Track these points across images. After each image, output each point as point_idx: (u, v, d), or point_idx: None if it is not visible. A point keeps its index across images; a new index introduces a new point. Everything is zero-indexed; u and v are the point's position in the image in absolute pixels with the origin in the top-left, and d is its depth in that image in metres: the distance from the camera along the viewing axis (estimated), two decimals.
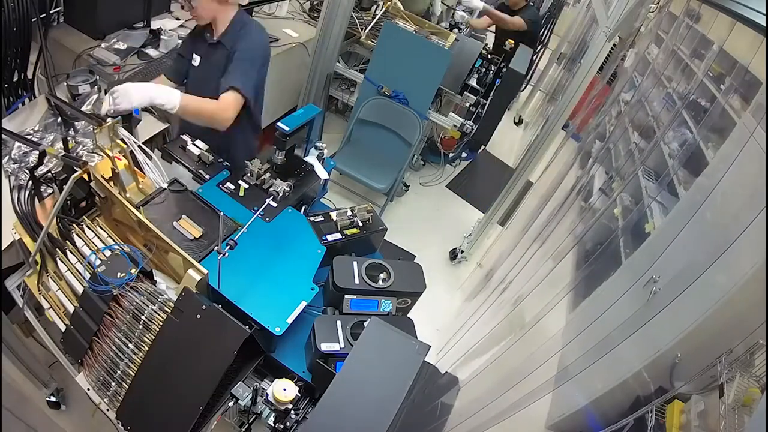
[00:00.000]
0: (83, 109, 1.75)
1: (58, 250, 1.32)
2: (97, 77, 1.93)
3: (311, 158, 1.73)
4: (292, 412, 1.14)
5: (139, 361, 1.13)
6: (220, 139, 1.73)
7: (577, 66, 3.14)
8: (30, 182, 1.41)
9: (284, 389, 1.12)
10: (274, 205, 1.52)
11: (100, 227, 1.35)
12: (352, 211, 1.57)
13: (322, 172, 1.68)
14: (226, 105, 1.63)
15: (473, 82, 3.14)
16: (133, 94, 1.41)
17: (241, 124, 1.74)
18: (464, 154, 4.23)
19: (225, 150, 1.72)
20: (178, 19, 2.57)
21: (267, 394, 1.14)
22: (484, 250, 3.39)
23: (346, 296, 1.33)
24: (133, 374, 1.13)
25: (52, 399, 1.93)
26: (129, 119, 1.44)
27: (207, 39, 1.75)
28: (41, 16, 1.88)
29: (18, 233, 1.37)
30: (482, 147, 4.10)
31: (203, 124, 1.68)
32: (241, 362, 1.15)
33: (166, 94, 1.49)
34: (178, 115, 1.59)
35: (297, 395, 1.13)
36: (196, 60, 1.80)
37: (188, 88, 1.84)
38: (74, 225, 1.34)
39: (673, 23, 2.46)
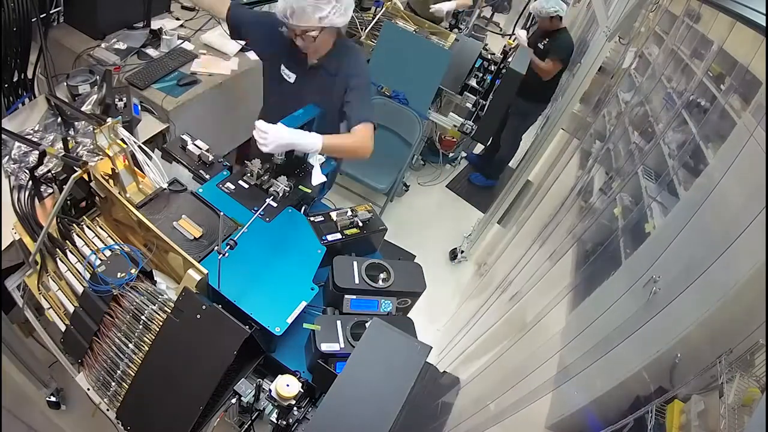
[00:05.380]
0: (83, 109, 1.75)
1: (58, 250, 1.32)
2: (97, 77, 1.93)
3: (313, 161, 1.64)
4: (295, 408, 1.14)
5: (139, 361, 1.13)
6: None
7: (576, 66, 3.14)
8: (30, 182, 1.41)
9: (287, 385, 1.12)
10: (274, 205, 1.52)
11: (100, 227, 1.35)
12: (352, 211, 1.57)
13: (318, 178, 1.60)
14: (367, 138, 1.66)
15: (473, 83, 3.14)
16: (284, 137, 1.46)
17: None
18: (463, 154, 4.23)
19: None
20: (178, 19, 2.57)
21: (270, 390, 1.14)
22: (484, 250, 3.39)
23: (346, 296, 1.33)
24: (133, 374, 1.13)
25: (52, 399, 1.92)
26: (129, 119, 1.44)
27: (303, 60, 1.74)
28: (41, 16, 1.87)
29: (18, 233, 1.37)
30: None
31: (343, 157, 1.86)
32: (241, 362, 1.15)
33: (311, 138, 1.53)
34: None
35: (300, 390, 1.13)
36: (291, 77, 1.79)
37: (279, 99, 1.84)
38: (74, 225, 1.34)
39: (673, 23, 2.46)
